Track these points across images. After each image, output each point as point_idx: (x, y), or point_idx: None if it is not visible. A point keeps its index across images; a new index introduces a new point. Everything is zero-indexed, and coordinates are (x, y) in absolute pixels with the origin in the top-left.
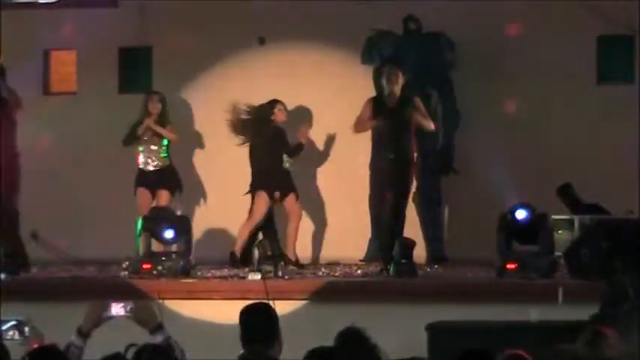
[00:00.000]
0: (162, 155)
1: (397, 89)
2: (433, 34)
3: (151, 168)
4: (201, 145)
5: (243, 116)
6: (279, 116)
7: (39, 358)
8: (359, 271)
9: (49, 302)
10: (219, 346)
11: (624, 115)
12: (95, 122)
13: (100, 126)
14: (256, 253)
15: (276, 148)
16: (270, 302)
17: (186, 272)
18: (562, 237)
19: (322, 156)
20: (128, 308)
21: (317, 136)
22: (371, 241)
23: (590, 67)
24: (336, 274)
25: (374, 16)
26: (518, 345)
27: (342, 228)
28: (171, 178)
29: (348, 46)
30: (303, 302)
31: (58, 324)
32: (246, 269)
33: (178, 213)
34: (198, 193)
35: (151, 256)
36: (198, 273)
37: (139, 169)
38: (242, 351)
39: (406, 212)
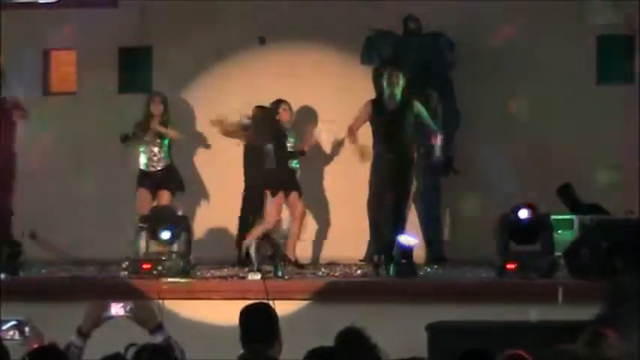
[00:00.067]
0: (164, 156)
1: (398, 91)
2: (433, 34)
3: (152, 168)
4: (202, 145)
5: (244, 120)
6: (283, 116)
7: (39, 358)
8: (359, 271)
9: (49, 302)
10: (219, 346)
11: (624, 115)
12: (95, 122)
13: (100, 126)
14: (256, 252)
15: (281, 148)
16: (270, 302)
17: (186, 272)
18: (562, 237)
19: (322, 156)
20: (128, 308)
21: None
22: (370, 241)
23: (589, 67)
24: (336, 274)
25: (374, 16)
26: (518, 345)
27: (342, 228)
28: (172, 178)
29: (348, 47)
30: (303, 302)
31: (58, 324)
32: (246, 269)
33: (179, 213)
34: (199, 193)
35: (150, 256)
36: (198, 273)
37: (140, 169)
38: (242, 351)
39: (407, 213)
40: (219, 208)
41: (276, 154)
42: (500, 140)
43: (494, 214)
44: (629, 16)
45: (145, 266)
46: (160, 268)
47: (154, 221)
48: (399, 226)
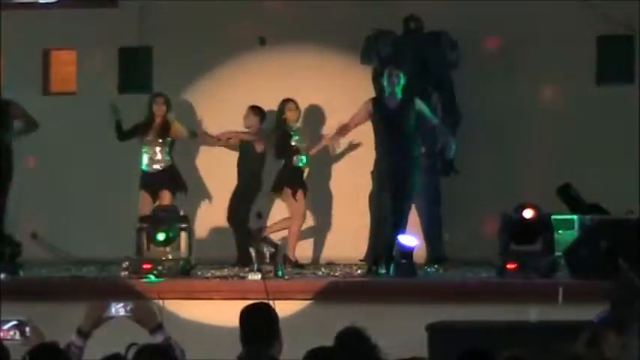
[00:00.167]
0: (165, 156)
1: (398, 90)
2: (434, 33)
3: (153, 169)
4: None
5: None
6: (289, 115)
7: (39, 356)
8: (359, 271)
9: (49, 302)
10: (220, 346)
11: (624, 115)
12: (95, 122)
13: (99, 126)
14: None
15: (286, 146)
16: (271, 302)
17: (186, 272)
18: (562, 237)
19: (322, 156)
20: (128, 308)
21: (317, 136)
22: (370, 241)
23: (589, 67)
24: (336, 274)
25: (375, 16)
26: (518, 345)
27: (343, 228)
28: (173, 179)
29: (348, 47)
30: (304, 302)
31: (59, 324)
32: (246, 269)
33: (181, 213)
34: (200, 193)
35: (150, 257)
36: (199, 273)
37: (142, 170)
38: (242, 351)
39: (408, 213)
40: (219, 209)
41: (282, 153)
42: (500, 140)
43: (495, 214)
44: (629, 16)
45: (145, 266)
46: (160, 268)
47: (153, 222)
48: (400, 226)
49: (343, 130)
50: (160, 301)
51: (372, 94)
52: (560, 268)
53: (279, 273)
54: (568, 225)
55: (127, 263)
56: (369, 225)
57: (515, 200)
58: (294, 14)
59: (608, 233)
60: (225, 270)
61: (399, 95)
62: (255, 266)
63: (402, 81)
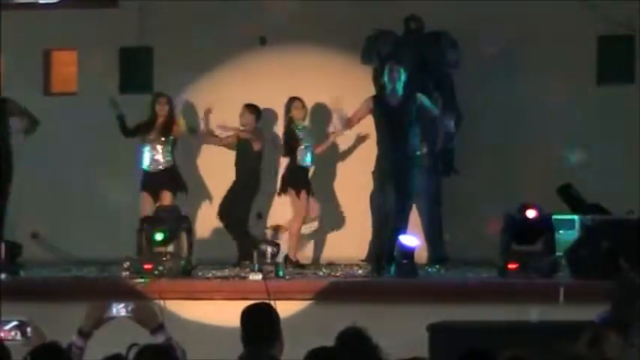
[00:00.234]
0: (167, 156)
1: (399, 86)
2: (434, 33)
3: (155, 168)
4: (204, 145)
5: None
6: (295, 114)
7: (41, 356)
8: (360, 271)
9: (50, 303)
10: (221, 347)
11: (624, 115)
12: (96, 122)
13: (100, 126)
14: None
15: (292, 145)
16: (272, 302)
17: (187, 272)
18: (563, 237)
19: (323, 156)
20: (129, 308)
21: (319, 136)
22: (372, 241)
23: (590, 67)
24: (337, 274)
25: (376, 16)
26: (519, 345)
27: (344, 228)
28: (174, 179)
29: (349, 46)
30: (305, 302)
31: (59, 324)
32: (247, 269)
33: (182, 213)
34: (201, 193)
35: (151, 257)
36: (199, 273)
37: (143, 169)
38: (243, 351)
39: (409, 212)
40: None
41: (288, 151)
42: (500, 140)
43: (496, 214)
44: (629, 16)
45: (146, 266)
46: (161, 268)
47: (154, 222)
48: (401, 226)
49: (347, 124)
50: (161, 302)
51: (373, 93)
52: (561, 268)
53: (280, 273)
54: (569, 225)
55: (127, 263)
56: (370, 225)
57: (515, 200)
58: (294, 14)
59: (608, 233)
60: (226, 270)
61: (400, 91)
62: (257, 266)
63: (403, 77)
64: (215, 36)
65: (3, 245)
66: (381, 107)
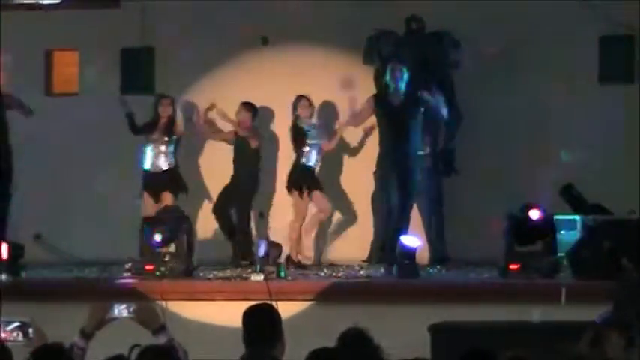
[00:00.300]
0: (170, 157)
1: (402, 85)
2: (436, 33)
3: (157, 169)
4: (206, 145)
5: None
6: (302, 112)
7: (43, 357)
8: (362, 272)
9: (52, 303)
10: (222, 347)
11: (625, 115)
12: (97, 123)
13: (102, 127)
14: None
15: (298, 143)
16: (273, 303)
17: (188, 273)
18: (565, 237)
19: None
20: (131, 309)
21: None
22: (373, 241)
23: (591, 67)
24: (339, 275)
25: (377, 16)
26: (520, 345)
27: (345, 228)
28: (174, 180)
29: (351, 46)
30: (306, 303)
31: (61, 325)
32: (249, 270)
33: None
34: (202, 194)
35: (153, 258)
36: (201, 274)
37: (145, 170)
38: (245, 352)
39: (410, 212)
40: None
41: (295, 149)
42: (501, 140)
43: (497, 215)
44: (630, 16)
45: (147, 267)
46: (162, 269)
47: (155, 223)
48: (403, 226)
49: (351, 121)
50: (163, 302)
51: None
52: (563, 268)
53: (282, 274)
54: (570, 225)
55: (129, 264)
56: (372, 225)
57: (516, 200)
58: (296, 14)
59: (610, 233)
60: (228, 271)
61: (403, 90)
62: (258, 267)
63: (406, 76)
64: (217, 36)
65: (6, 246)
66: (384, 107)
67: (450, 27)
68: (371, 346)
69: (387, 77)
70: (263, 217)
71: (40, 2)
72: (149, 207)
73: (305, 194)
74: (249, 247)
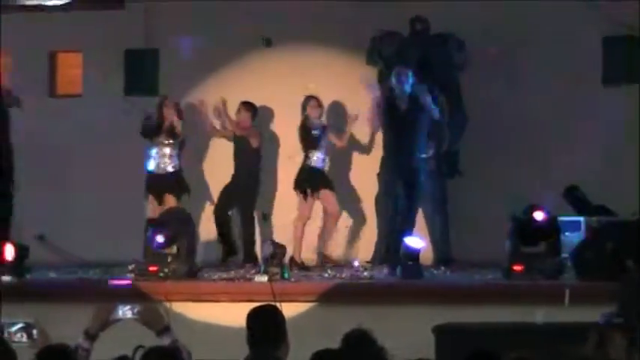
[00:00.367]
0: (175, 158)
1: (408, 89)
2: (440, 35)
3: (162, 170)
4: (209, 147)
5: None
6: (311, 112)
7: (48, 358)
8: (366, 273)
9: (56, 304)
10: (226, 348)
11: (630, 116)
12: (101, 124)
13: (105, 128)
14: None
15: (306, 144)
16: (277, 304)
17: (192, 274)
18: (569, 238)
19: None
20: (135, 310)
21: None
22: (378, 242)
23: (595, 68)
24: (343, 276)
25: (382, 16)
26: (524, 346)
27: (349, 229)
28: (178, 183)
29: (354, 47)
30: (310, 304)
31: (65, 326)
32: (253, 271)
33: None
34: (206, 195)
35: (157, 258)
36: (205, 275)
37: (149, 171)
38: (249, 353)
39: (416, 215)
40: None
41: (303, 149)
42: (505, 141)
43: (501, 216)
44: (633, 17)
45: (151, 268)
46: (166, 270)
47: (158, 225)
48: (408, 228)
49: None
50: (167, 303)
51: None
52: (567, 269)
53: (285, 275)
54: (574, 227)
55: (133, 265)
56: (375, 227)
57: (520, 202)
58: (299, 15)
59: (614, 235)
60: (232, 272)
61: (408, 95)
62: (262, 268)
63: (411, 80)
64: (221, 37)
65: (11, 247)
66: (389, 110)
67: (454, 28)
68: (375, 347)
69: (393, 81)
70: (266, 218)
71: (44, 3)
72: (153, 209)
73: (310, 196)
74: (252, 248)
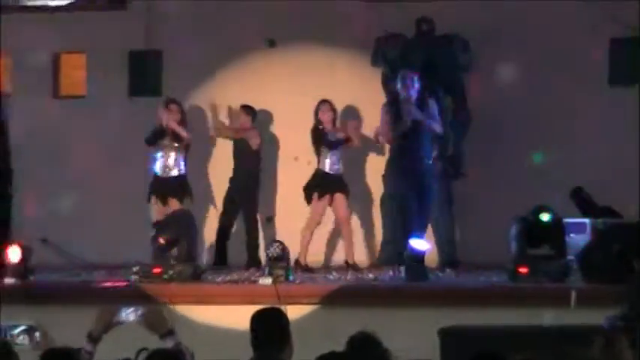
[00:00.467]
0: (180, 162)
1: (413, 93)
2: (445, 36)
3: (167, 174)
4: (212, 149)
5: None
6: (322, 116)
7: None
8: (370, 275)
9: (59, 307)
10: (230, 351)
11: (636, 117)
12: (104, 126)
13: (109, 129)
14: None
15: (318, 148)
16: (282, 307)
17: (196, 277)
18: (574, 240)
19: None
20: (138, 313)
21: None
22: (383, 244)
23: (602, 68)
24: (347, 278)
25: (388, 17)
26: (530, 349)
27: (354, 231)
28: (182, 187)
29: (359, 48)
30: (314, 306)
31: (68, 329)
32: (257, 273)
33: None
34: (209, 198)
35: (161, 261)
36: (209, 277)
37: (154, 174)
38: (253, 355)
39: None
40: None
41: (316, 153)
42: (511, 142)
43: (506, 218)
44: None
45: (155, 271)
46: (170, 272)
47: (162, 227)
48: (417, 230)
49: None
50: (171, 306)
51: (382, 94)
52: (573, 271)
53: (290, 277)
54: (580, 228)
55: (136, 268)
56: (381, 228)
57: (526, 203)
58: (304, 16)
59: (620, 236)
60: (236, 274)
61: (414, 99)
62: (267, 270)
63: (417, 84)
64: (225, 38)
65: (17, 248)
66: (397, 114)
67: (460, 29)
68: (380, 350)
69: (399, 85)
70: (270, 221)
71: (47, 4)
72: (157, 210)
73: (317, 199)
74: (257, 252)
